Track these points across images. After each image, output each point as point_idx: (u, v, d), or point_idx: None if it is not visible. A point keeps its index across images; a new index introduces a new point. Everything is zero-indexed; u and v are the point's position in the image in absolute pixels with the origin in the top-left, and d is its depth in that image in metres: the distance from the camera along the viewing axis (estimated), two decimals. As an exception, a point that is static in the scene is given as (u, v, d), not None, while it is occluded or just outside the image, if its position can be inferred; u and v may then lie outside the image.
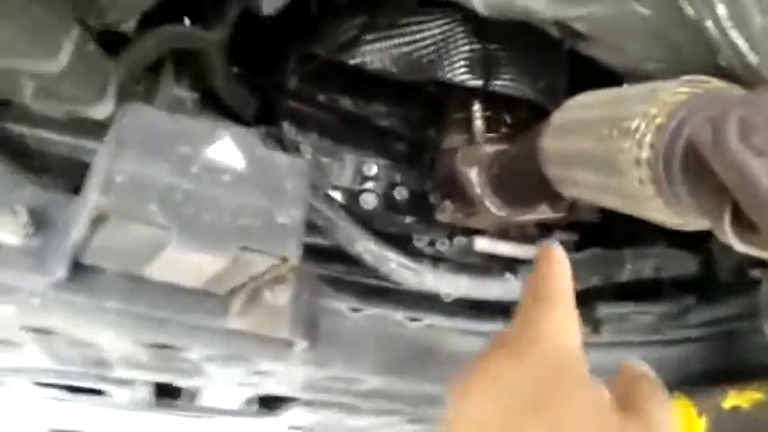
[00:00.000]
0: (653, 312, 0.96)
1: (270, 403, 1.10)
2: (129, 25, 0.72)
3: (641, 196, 0.64)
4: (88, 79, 0.62)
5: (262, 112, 1.04)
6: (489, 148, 0.96)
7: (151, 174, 0.52)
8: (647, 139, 0.62)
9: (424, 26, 1.01)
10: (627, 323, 0.95)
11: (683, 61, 0.73)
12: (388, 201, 1.08)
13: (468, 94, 1.03)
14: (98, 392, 0.95)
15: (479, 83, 1.00)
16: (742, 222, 0.55)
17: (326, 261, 0.91)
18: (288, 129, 1.04)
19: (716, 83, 0.61)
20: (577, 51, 0.95)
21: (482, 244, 1.02)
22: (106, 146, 0.56)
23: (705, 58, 0.70)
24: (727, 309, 0.99)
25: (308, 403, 1.00)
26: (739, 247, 0.55)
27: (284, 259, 0.56)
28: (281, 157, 0.60)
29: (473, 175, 0.95)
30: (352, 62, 1.00)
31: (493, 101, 1.04)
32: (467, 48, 1.01)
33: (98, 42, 0.67)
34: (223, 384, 0.89)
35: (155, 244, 0.54)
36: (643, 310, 0.95)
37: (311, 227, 0.81)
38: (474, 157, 0.96)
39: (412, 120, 1.12)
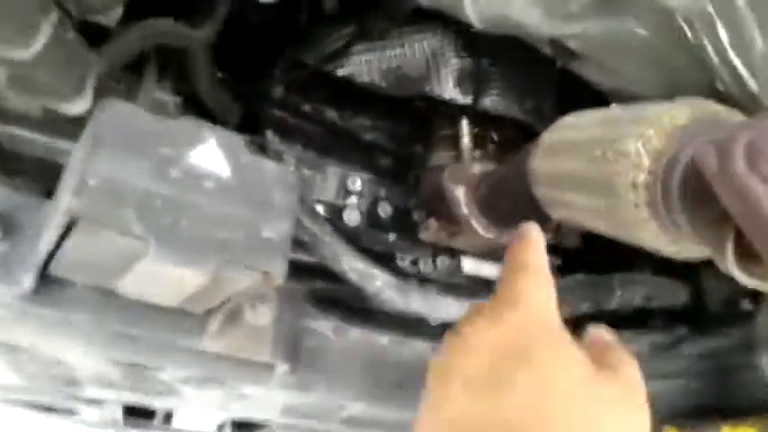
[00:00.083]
0: (644, 343, 0.93)
1: (246, 428, 1.04)
2: (111, 17, 0.68)
3: (636, 221, 0.61)
4: (66, 70, 0.57)
5: (245, 121, 1.00)
6: (477, 167, 0.93)
7: (128, 176, 0.47)
8: (644, 162, 0.59)
9: (414, 39, 0.98)
10: None
11: (678, 84, 0.71)
12: (371, 217, 1.04)
13: (456, 110, 1.00)
14: (68, 411, 0.89)
15: (468, 100, 0.97)
16: (744, 252, 0.52)
17: (310, 278, 0.86)
18: (272, 138, 1.00)
19: (714, 106, 0.59)
20: (567, 71, 0.94)
21: (470, 265, 0.98)
22: (81, 144, 0.51)
23: (702, 81, 0.68)
24: (720, 341, 0.95)
25: (286, 428, 0.95)
26: (741, 278, 0.52)
27: (268, 276, 0.52)
28: (268, 166, 0.55)
29: (460, 194, 0.92)
30: (339, 73, 0.97)
31: (481, 118, 1.01)
32: (456, 63, 0.99)
33: (79, 34, 0.63)
34: (199, 407, 0.83)
35: (129, 255, 0.49)
36: (635, 339, 0.92)
37: (294, 241, 0.76)
38: (461, 176, 0.93)
39: (398, 134, 1.09)
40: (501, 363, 0.41)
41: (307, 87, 1.04)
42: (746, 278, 0.52)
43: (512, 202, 0.86)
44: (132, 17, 0.71)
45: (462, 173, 0.94)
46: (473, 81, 0.97)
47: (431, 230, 0.99)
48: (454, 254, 1.01)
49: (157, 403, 0.86)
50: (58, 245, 0.51)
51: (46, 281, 0.57)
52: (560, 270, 1.02)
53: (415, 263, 1.05)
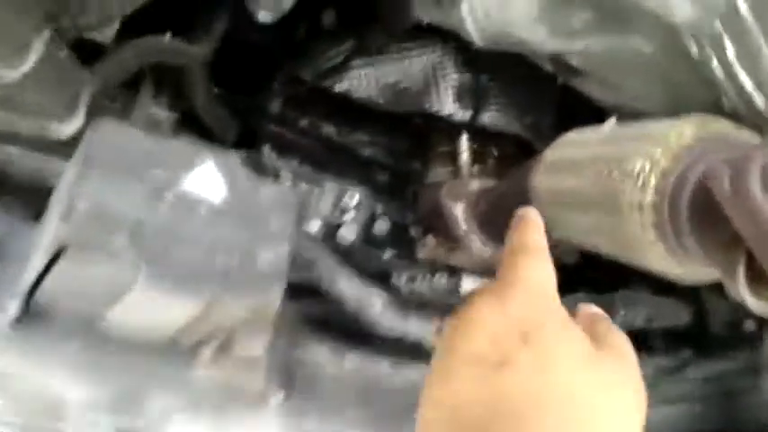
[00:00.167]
0: (648, 366, 0.89)
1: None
2: (106, 35, 0.65)
3: (641, 242, 0.59)
4: (57, 89, 0.54)
5: (242, 136, 0.97)
6: (476, 184, 0.91)
7: (120, 200, 0.44)
8: (651, 182, 0.57)
9: (413, 54, 0.96)
10: None
11: (683, 101, 0.69)
12: (367, 232, 1.01)
13: (455, 126, 0.98)
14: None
15: (467, 116, 0.95)
16: (755, 276, 0.50)
17: (304, 300, 0.82)
18: (268, 153, 0.97)
19: (722, 123, 0.57)
20: (566, 87, 0.91)
21: (469, 284, 0.96)
22: (72, 166, 0.48)
23: (707, 98, 0.65)
24: (725, 364, 0.92)
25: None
26: (751, 303, 0.50)
27: (265, 305, 0.48)
28: (266, 189, 0.52)
29: (458, 211, 0.89)
30: (337, 88, 0.95)
31: (479, 134, 0.98)
32: (455, 80, 0.96)
33: (73, 52, 0.60)
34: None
35: (120, 283, 0.45)
36: (639, 363, 0.88)
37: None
38: (460, 192, 0.90)
39: (396, 150, 1.06)
40: (504, 341, 0.41)
41: (304, 102, 1.01)
42: (757, 303, 0.50)
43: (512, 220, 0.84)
44: (128, 34, 0.68)
45: (461, 189, 0.91)
46: (472, 97, 0.95)
47: (428, 247, 0.97)
48: (453, 271, 0.98)
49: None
50: (45, 271, 0.48)
51: (32, 308, 0.53)
52: (559, 288, 0.99)
53: (412, 280, 1.02)
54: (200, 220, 0.48)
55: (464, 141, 0.96)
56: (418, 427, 0.42)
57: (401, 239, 1.01)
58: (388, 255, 1.00)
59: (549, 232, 0.77)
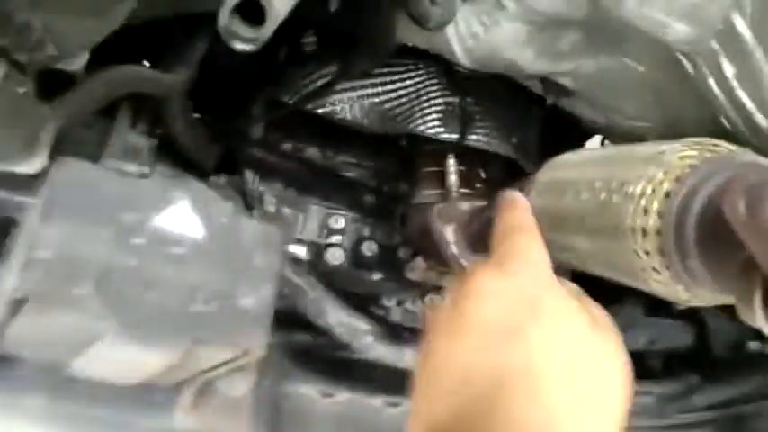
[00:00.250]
0: (655, 393, 0.85)
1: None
2: (75, 65, 0.60)
3: (645, 268, 0.55)
4: (13, 128, 0.48)
5: (224, 161, 0.92)
6: (466, 205, 0.87)
7: (85, 247, 0.40)
8: (654, 206, 0.53)
9: (398, 77, 0.92)
10: None
11: (677, 120, 0.65)
12: (355, 256, 0.97)
13: (441, 147, 0.94)
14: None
15: (454, 137, 0.91)
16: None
17: (291, 331, 0.77)
18: (251, 178, 0.92)
19: (725, 145, 0.53)
20: (551, 107, 0.88)
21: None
22: (33, 211, 0.43)
23: (703, 117, 0.62)
24: (733, 390, 0.88)
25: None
26: None
27: (248, 350, 0.44)
28: (249, 225, 0.48)
29: (449, 233, 0.85)
30: (320, 111, 0.90)
31: (466, 155, 0.95)
32: (440, 100, 0.92)
33: (39, 84, 0.55)
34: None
35: (86, 335, 0.41)
36: (644, 390, 0.84)
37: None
38: (450, 214, 0.86)
39: (382, 172, 1.02)
40: (513, 312, 0.42)
41: (287, 126, 0.96)
42: None
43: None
44: (104, 63, 0.64)
45: (451, 211, 0.87)
46: (458, 119, 0.91)
47: (418, 270, 0.92)
48: (443, 294, 0.94)
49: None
50: (6, 320, 0.43)
51: (-5, 358, 0.49)
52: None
53: (401, 303, 0.98)
54: (174, 263, 0.43)
55: (451, 162, 0.92)
56: (417, 394, 0.43)
57: (389, 262, 0.96)
58: (376, 277, 0.96)
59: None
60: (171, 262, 0.43)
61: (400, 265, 0.95)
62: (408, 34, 0.73)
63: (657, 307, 0.88)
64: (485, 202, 0.88)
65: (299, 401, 0.68)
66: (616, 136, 0.77)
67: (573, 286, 0.52)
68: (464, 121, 0.92)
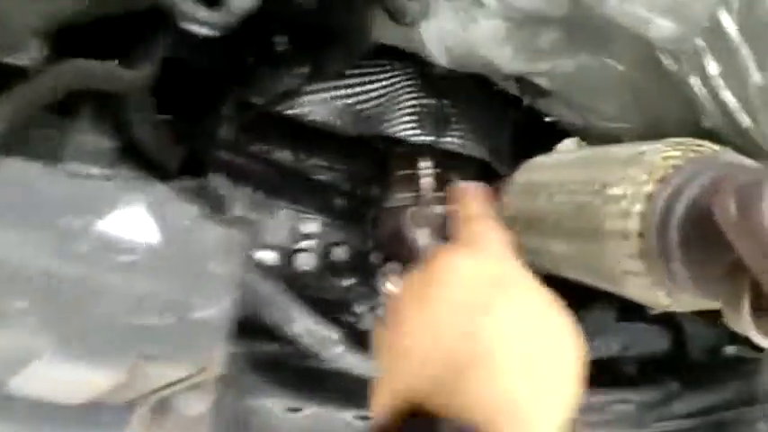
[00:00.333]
0: (633, 401, 0.82)
1: None
2: (24, 58, 0.55)
3: (626, 272, 0.53)
4: None
5: (190, 163, 0.87)
6: (440, 209, 0.84)
7: (20, 256, 0.35)
8: (636, 207, 0.51)
9: (371, 78, 0.88)
10: (605, 414, 0.80)
11: (658, 121, 0.62)
12: (326, 261, 0.93)
13: (415, 149, 0.91)
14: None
15: (429, 139, 0.88)
16: (761, 308, 0.44)
17: (254, 341, 0.72)
18: (218, 181, 0.88)
19: (708, 145, 0.51)
20: (525, 109, 0.85)
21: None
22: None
23: (685, 117, 0.59)
24: (713, 395, 0.85)
25: None
26: (757, 337, 0.44)
27: (205, 366, 0.40)
28: (208, 230, 0.43)
29: (423, 237, 0.82)
30: (291, 112, 0.86)
31: (440, 157, 0.92)
32: (415, 102, 0.89)
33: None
34: None
35: (20, 354, 0.36)
36: (622, 397, 0.81)
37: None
38: (424, 218, 0.83)
39: (354, 175, 0.98)
40: (482, 288, 0.45)
41: (256, 127, 0.92)
42: (764, 337, 0.44)
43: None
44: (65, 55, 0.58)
45: (425, 214, 0.84)
46: (432, 122, 0.88)
47: (391, 275, 0.89)
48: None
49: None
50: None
51: None
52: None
53: (373, 309, 0.94)
54: (121, 271, 0.38)
55: (425, 165, 0.89)
56: (384, 365, 0.46)
57: (361, 267, 0.93)
58: (347, 283, 0.93)
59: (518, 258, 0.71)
60: (119, 270, 0.38)
61: (372, 271, 0.92)
62: (384, 32, 0.69)
63: (629, 311, 0.85)
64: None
65: (264, 417, 0.63)
66: (592, 137, 0.74)
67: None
68: (439, 123, 0.89)
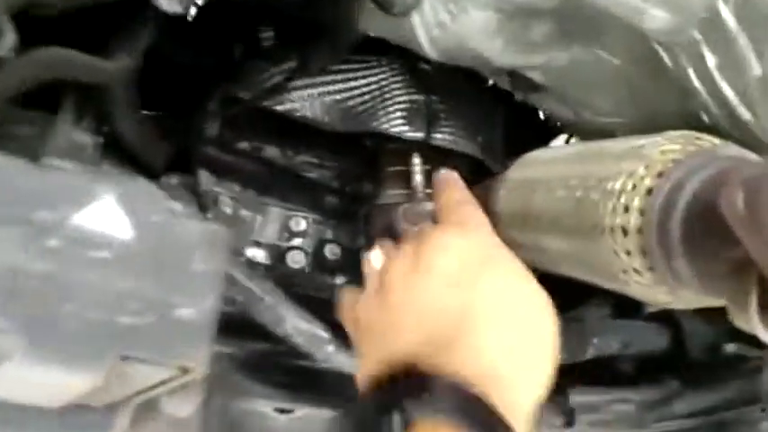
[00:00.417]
0: (633, 400, 0.80)
1: None
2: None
3: (625, 269, 0.51)
4: None
5: (177, 160, 0.85)
6: (432, 206, 0.81)
7: (-12, 251, 0.33)
8: (635, 202, 0.49)
9: (360, 74, 0.86)
10: (605, 413, 0.79)
11: (655, 115, 0.60)
12: (317, 259, 0.91)
13: (406, 146, 0.88)
14: None
15: (420, 135, 0.86)
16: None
17: (244, 340, 0.69)
18: (206, 178, 0.85)
19: (708, 138, 0.49)
20: (517, 104, 0.84)
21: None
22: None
23: (682, 111, 0.57)
24: (714, 395, 0.83)
25: None
26: (766, 336, 0.42)
27: (188, 366, 0.37)
28: (188, 224, 0.40)
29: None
30: (279, 109, 0.84)
31: (431, 154, 0.90)
32: (405, 98, 0.87)
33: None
34: None
35: (-10, 354, 0.34)
36: (622, 397, 0.79)
37: (225, 299, 0.60)
38: (416, 215, 0.81)
39: (344, 171, 0.95)
40: (470, 263, 0.47)
41: (244, 123, 0.89)
42: None
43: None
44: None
45: (417, 211, 0.82)
46: (423, 116, 0.86)
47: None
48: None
49: None
50: None
51: None
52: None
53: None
54: (97, 267, 0.36)
55: (417, 161, 0.86)
56: (371, 333, 0.48)
57: (353, 266, 0.91)
58: (339, 281, 0.90)
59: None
60: (93, 267, 0.36)
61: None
62: (372, 23, 0.67)
63: (626, 308, 0.83)
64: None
65: (255, 419, 0.61)
66: (586, 133, 0.72)
67: None
68: (429, 119, 0.87)
